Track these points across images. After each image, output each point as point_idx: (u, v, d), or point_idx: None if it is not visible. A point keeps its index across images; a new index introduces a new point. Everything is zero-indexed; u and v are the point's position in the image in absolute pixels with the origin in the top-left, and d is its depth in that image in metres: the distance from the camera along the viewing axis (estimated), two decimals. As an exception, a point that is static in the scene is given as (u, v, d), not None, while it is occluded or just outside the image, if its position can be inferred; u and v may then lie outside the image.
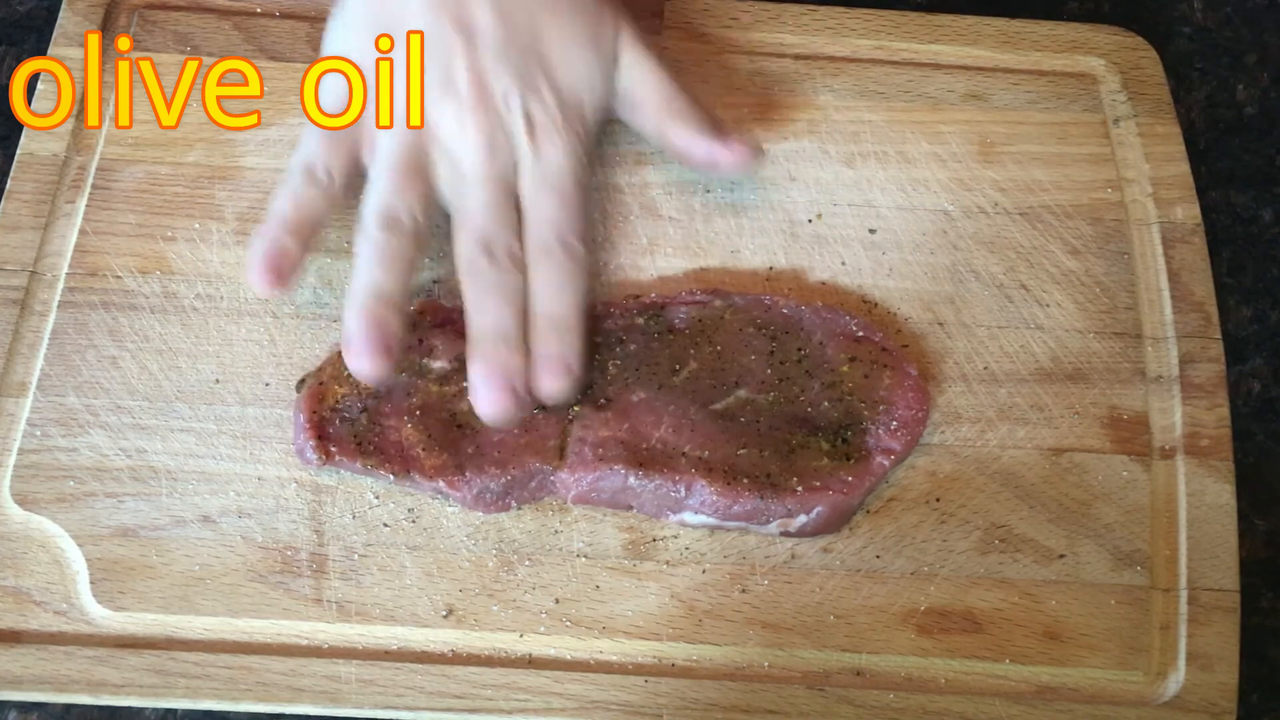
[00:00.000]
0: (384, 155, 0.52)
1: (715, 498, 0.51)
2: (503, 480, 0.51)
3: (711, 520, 0.52)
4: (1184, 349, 0.57)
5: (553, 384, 0.50)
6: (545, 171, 0.53)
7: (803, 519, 0.51)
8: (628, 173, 0.59)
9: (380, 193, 0.52)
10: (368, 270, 0.51)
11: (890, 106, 0.62)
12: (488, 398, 0.50)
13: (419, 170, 0.52)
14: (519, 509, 0.53)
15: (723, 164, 0.56)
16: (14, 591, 0.50)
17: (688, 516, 0.52)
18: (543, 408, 0.52)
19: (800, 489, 0.51)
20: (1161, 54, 0.64)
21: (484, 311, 0.51)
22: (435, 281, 0.56)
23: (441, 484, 0.51)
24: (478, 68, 0.52)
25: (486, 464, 0.51)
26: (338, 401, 0.52)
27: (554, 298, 0.51)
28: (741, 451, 0.52)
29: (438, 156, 0.53)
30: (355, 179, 0.53)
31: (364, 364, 0.49)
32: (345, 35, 0.55)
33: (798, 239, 0.58)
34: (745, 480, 0.51)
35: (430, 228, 0.53)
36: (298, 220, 0.51)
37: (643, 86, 0.56)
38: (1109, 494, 0.54)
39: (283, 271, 0.50)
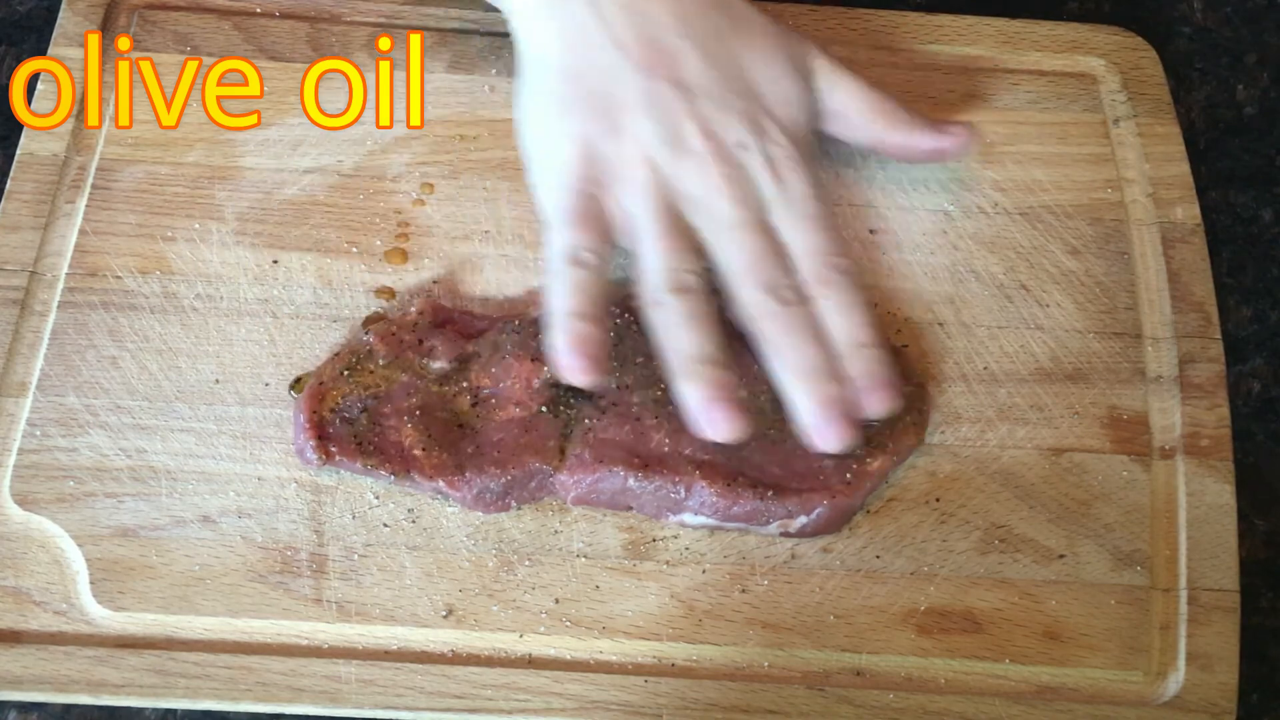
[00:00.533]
0: (646, 226, 0.52)
1: (715, 499, 0.51)
2: (503, 480, 0.51)
3: (711, 521, 0.52)
4: (1184, 349, 0.57)
5: (881, 404, 0.52)
6: (795, 203, 0.53)
7: (803, 520, 0.51)
8: (628, 173, 0.59)
9: (658, 262, 0.52)
10: (683, 339, 0.51)
11: (890, 106, 0.62)
12: (837, 433, 0.51)
13: (683, 231, 0.53)
14: (519, 509, 0.53)
15: (949, 151, 0.57)
16: (14, 591, 0.50)
17: (687, 517, 0.52)
18: (555, 404, 0.52)
19: (800, 490, 0.51)
20: (1161, 54, 0.64)
21: (795, 350, 0.51)
22: (435, 281, 0.56)
23: (441, 484, 0.51)
24: (703, 119, 0.53)
25: (486, 464, 0.51)
26: (338, 401, 0.52)
27: (852, 323, 0.52)
28: (741, 452, 0.52)
29: (692, 214, 0.53)
30: (611, 252, 0.53)
31: (734, 431, 0.50)
32: (559, 120, 0.54)
33: (798, 239, 0.58)
34: (745, 481, 0.51)
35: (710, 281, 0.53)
36: (584, 304, 0.51)
37: (846, 98, 0.57)
38: (1109, 494, 0.54)
39: (600, 359, 0.51)
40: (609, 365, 0.52)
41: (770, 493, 0.51)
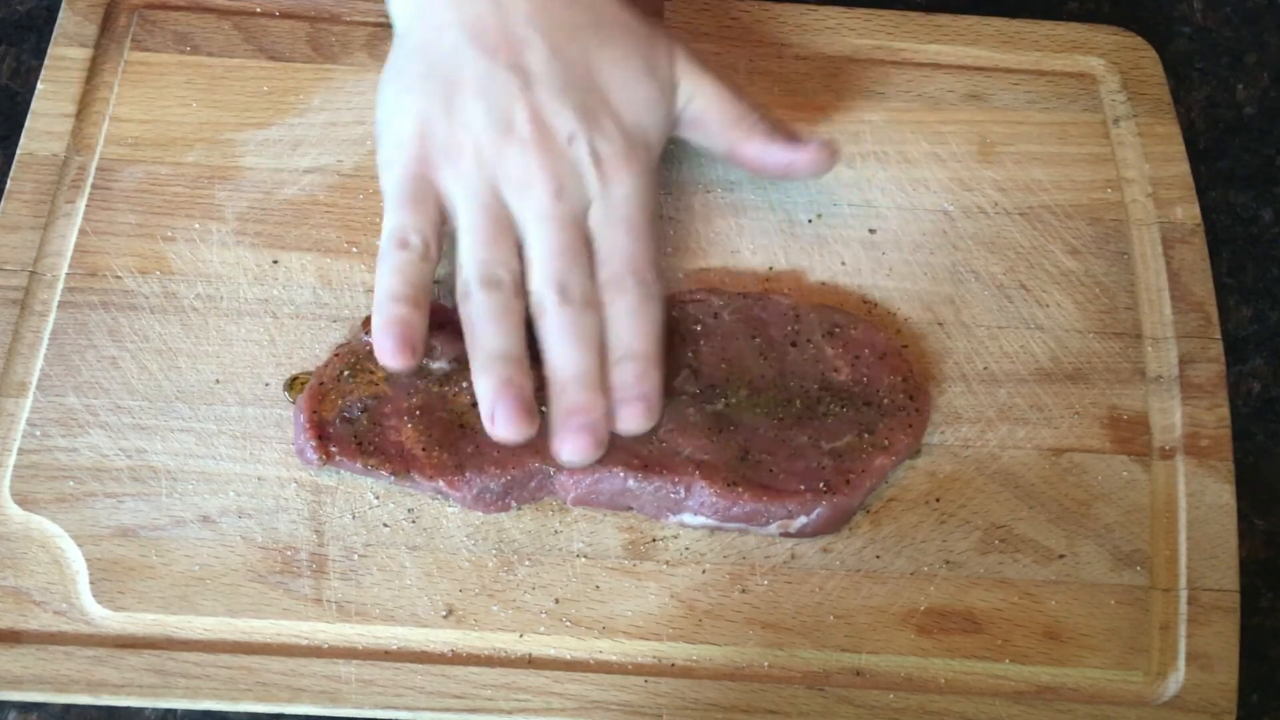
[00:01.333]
0: (464, 213, 0.52)
1: (715, 499, 0.51)
2: (503, 480, 0.51)
3: (711, 521, 0.52)
4: (1184, 349, 0.57)
5: (632, 421, 0.50)
6: (614, 205, 0.52)
7: (803, 520, 0.51)
8: (628, 173, 0.59)
9: (470, 253, 0.51)
10: (484, 334, 0.50)
11: (890, 106, 0.62)
12: (574, 445, 0.50)
13: (502, 221, 0.52)
14: (519, 509, 0.53)
15: (800, 167, 0.56)
16: (14, 591, 0.50)
17: (687, 518, 0.52)
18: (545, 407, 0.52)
19: (800, 490, 0.51)
20: (1161, 54, 0.64)
21: (562, 355, 0.50)
22: (436, 282, 0.56)
23: (441, 484, 0.51)
24: (536, 108, 0.52)
25: (486, 464, 0.51)
26: (338, 402, 0.52)
27: (631, 332, 0.51)
28: (741, 452, 0.52)
29: (511, 201, 0.52)
30: (444, 233, 0.52)
31: (513, 432, 0.49)
32: (400, 96, 0.53)
33: (798, 239, 0.58)
34: (745, 481, 0.51)
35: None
36: (401, 286, 0.50)
37: (706, 107, 0.55)
38: (1109, 494, 0.54)
39: (415, 344, 0.50)
40: (424, 350, 0.50)
41: (770, 493, 0.51)
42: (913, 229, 0.59)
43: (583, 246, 0.52)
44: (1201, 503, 0.54)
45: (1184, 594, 0.53)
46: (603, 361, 0.51)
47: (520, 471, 0.51)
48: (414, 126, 0.52)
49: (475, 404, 0.52)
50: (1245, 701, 0.52)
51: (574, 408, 0.50)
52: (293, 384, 0.54)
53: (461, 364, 0.53)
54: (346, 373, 0.53)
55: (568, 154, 0.52)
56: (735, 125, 0.55)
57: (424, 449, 0.51)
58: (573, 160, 0.52)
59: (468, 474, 0.51)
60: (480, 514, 0.52)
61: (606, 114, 0.53)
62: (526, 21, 0.52)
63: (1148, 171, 0.61)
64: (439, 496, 0.52)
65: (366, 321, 0.55)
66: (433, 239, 0.51)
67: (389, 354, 0.49)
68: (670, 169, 0.59)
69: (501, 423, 0.49)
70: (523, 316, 0.51)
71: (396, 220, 0.51)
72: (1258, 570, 0.56)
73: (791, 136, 0.56)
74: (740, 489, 0.51)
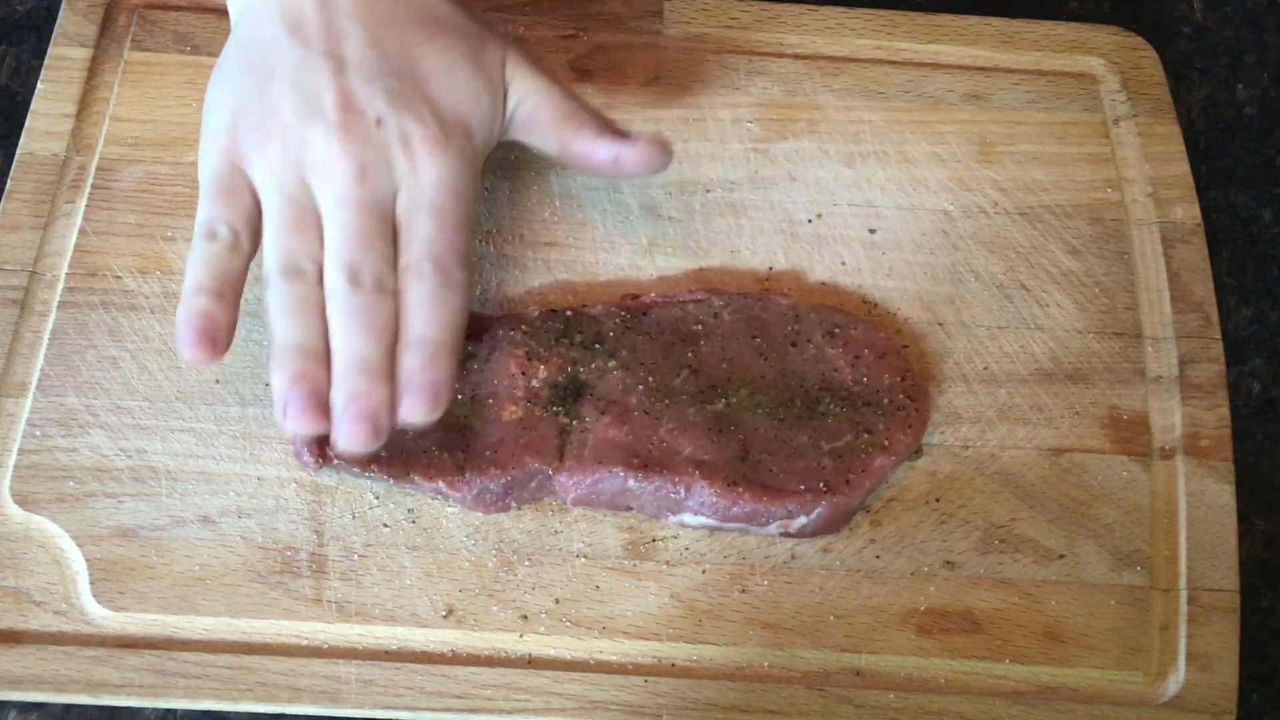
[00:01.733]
0: (269, 200, 0.50)
1: (714, 499, 0.51)
2: (502, 481, 0.51)
3: (711, 521, 0.52)
4: (1184, 349, 0.57)
5: (413, 410, 0.48)
6: (422, 190, 0.50)
7: (803, 520, 0.51)
8: (628, 173, 0.59)
9: (273, 241, 0.50)
10: (282, 325, 0.48)
11: (890, 106, 0.62)
12: (348, 432, 0.47)
13: (306, 208, 0.50)
14: (519, 509, 0.53)
15: (628, 163, 0.54)
16: (14, 591, 0.50)
17: (687, 518, 0.52)
18: (554, 404, 0.52)
19: (800, 490, 0.51)
20: (1161, 54, 0.64)
21: (345, 341, 0.48)
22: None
23: (441, 484, 0.51)
24: (345, 92, 0.50)
25: (486, 465, 0.51)
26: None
27: (423, 319, 0.49)
28: (741, 452, 0.52)
29: (315, 186, 0.50)
30: (257, 223, 0.50)
31: (303, 425, 0.47)
32: (219, 89, 0.52)
33: (798, 239, 0.58)
34: (744, 481, 0.51)
35: None
36: (207, 279, 0.49)
37: (536, 106, 0.54)
38: (1109, 494, 0.54)
39: (216, 338, 0.48)
40: (226, 344, 0.48)
41: (770, 493, 0.51)
42: (913, 229, 0.59)
43: (382, 232, 0.50)
44: (1201, 503, 0.54)
45: (1184, 594, 0.53)
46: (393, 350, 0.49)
47: (520, 472, 0.51)
48: (229, 117, 0.51)
49: (475, 404, 0.52)
50: (1245, 701, 0.52)
51: (352, 394, 0.48)
52: None
53: (461, 364, 0.53)
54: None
55: (374, 137, 0.50)
56: (565, 123, 0.54)
57: (424, 450, 0.51)
58: (380, 144, 0.50)
59: (468, 475, 0.51)
60: (480, 514, 0.52)
61: (421, 100, 0.51)
62: (347, 14, 0.51)
63: (1148, 171, 0.61)
64: (439, 497, 0.52)
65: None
66: (243, 230, 0.50)
67: (187, 346, 0.48)
68: (670, 168, 0.59)
69: (291, 416, 0.47)
70: (322, 305, 0.49)
71: (206, 211, 0.50)
72: (1258, 570, 0.56)
73: (617, 134, 0.55)
74: (740, 489, 0.51)
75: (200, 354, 0.48)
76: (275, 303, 0.49)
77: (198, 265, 0.49)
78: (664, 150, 0.55)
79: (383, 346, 0.48)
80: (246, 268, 0.50)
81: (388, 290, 0.49)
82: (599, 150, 0.54)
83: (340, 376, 0.48)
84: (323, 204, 0.50)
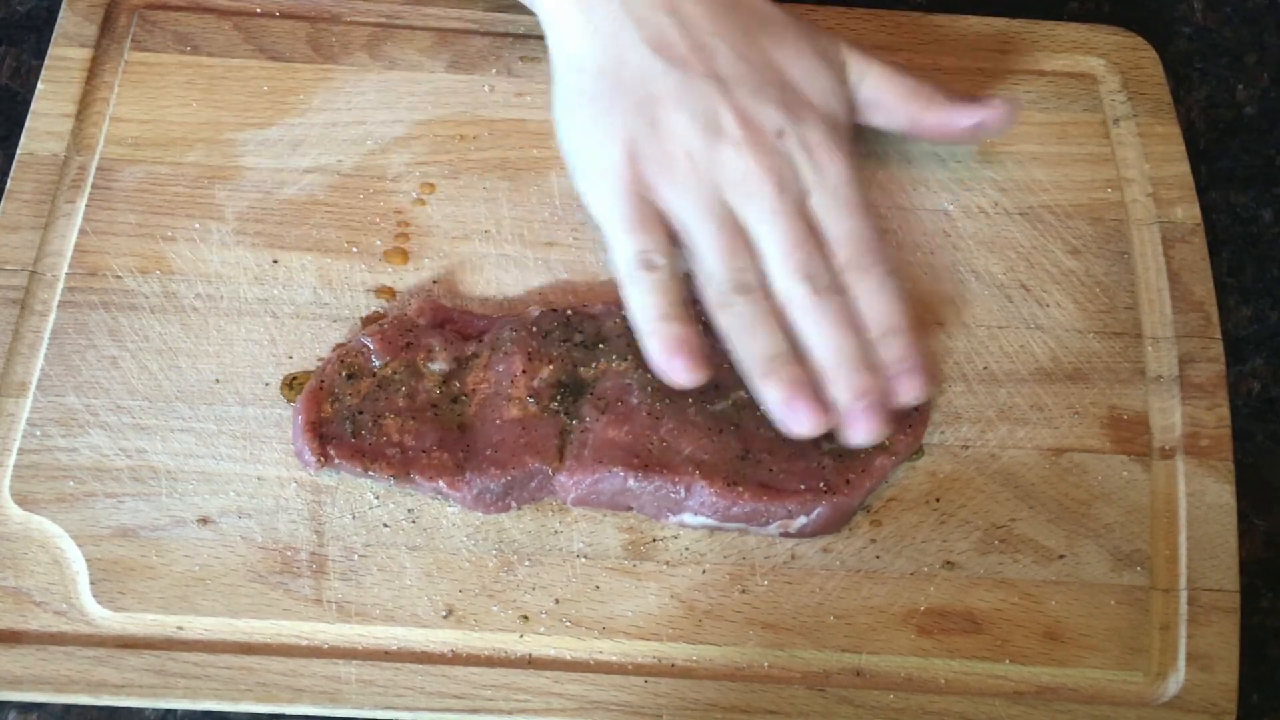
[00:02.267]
0: (697, 225, 0.52)
1: (714, 499, 0.51)
2: (503, 481, 0.51)
3: (711, 521, 0.52)
4: (1184, 349, 0.57)
5: (913, 391, 0.52)
6: (833, 190, 0.53)
7: (802, 520, 0.51)
8: (628, 173, 0.59)
9: (717, 264, 0.52)
10: (756, 340, 0.51)
11: (890, 106, 0.62)
12: (867, 426, 0.51)
13: (734, 227, 0.52)
14: (519, 509, 0.53)
15: (989, 124, 0.56)
16: (14, 591, 0.50)
17: (687, 518, 0.52)
18: (554, 404, 0.52)
19: (800, 490, 0.51)
20: (1161, 54, 0.64)
21: (829, 342, 0.51)
22: (435, 281, 0.56)
23: (442, 484, 0.51)
24: (741, 109, 0.52)
25: (486, 464, 0.51)
26: (337, 403, 0.52)
27: (884, 309, 0.52)
28: (741, 452, 0.52)
29: (736, 203, 0.52)
30: (676, 249, 0.53)
31: (815, 426, 0.50)
32: (596, 121, 0.54)
33: (798, 239, 0.58)
34: (744, 481, 0.51)
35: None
36: (667, 306, 0.51)
37: (881, 86, 0.56)
38: (1109, 494, 0.54)
39: (696, 355, 0.51)
40: (709, 360, 0.51)
41: (770, 493, 0.51)
42: (913, 229, 0.59)
43: (813, 235, 0.52)
44: (1201, 503, 0.54)
45: (1184, 594, 0.53)
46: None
47: (520, 472, 0.51)
48: (621, 149, 0.52)
49: (475, 404, 0.52)
50: (1245, 701, 0.52)
51: (859, 390, 0.51)
52: (290, 384, 0.54)
53: (460, 364, 0.53)
54: (345, 374, 0.53)
55: (780, 148, 0.53)
56: (912, 98, 0.57)
57: (424, 450, 0.51)
58: (786, 154, 0.53)
59: (468, 474, 0.51)
60: (480, 514, 0.52)
61: (803, 105, 0.54)
62: (710, 32, 0.53)
63: (1148, 171, 0.61)
64: (439, 497, 0.52)
65: (366, 321, 0.55)
66: (672, 255, 0.52)
67: (683, 374, 0.51)
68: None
69: (804, 422, 0.50)
70: (774, 317, 0.52)
71: (634, 244, 0.52)
72: (1258, 570, 0.56)
73: (969, 100, 0.57)
74: (740, 489, 0.51)
75: (693, 375, 0.51)
76: (737, 321, 0.51)
77: (652, 294, 0.51)
78: (1013, 109, 0.57)
79: (860, 340, 0.51)
80: (683, 287, 0.52)
81: (838, 289, 0.52)
82: (958, 119, 0.56)
83: (837, 374, 0.51)
84: (751, 221, 0.52)
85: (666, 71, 0.53)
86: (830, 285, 0.52)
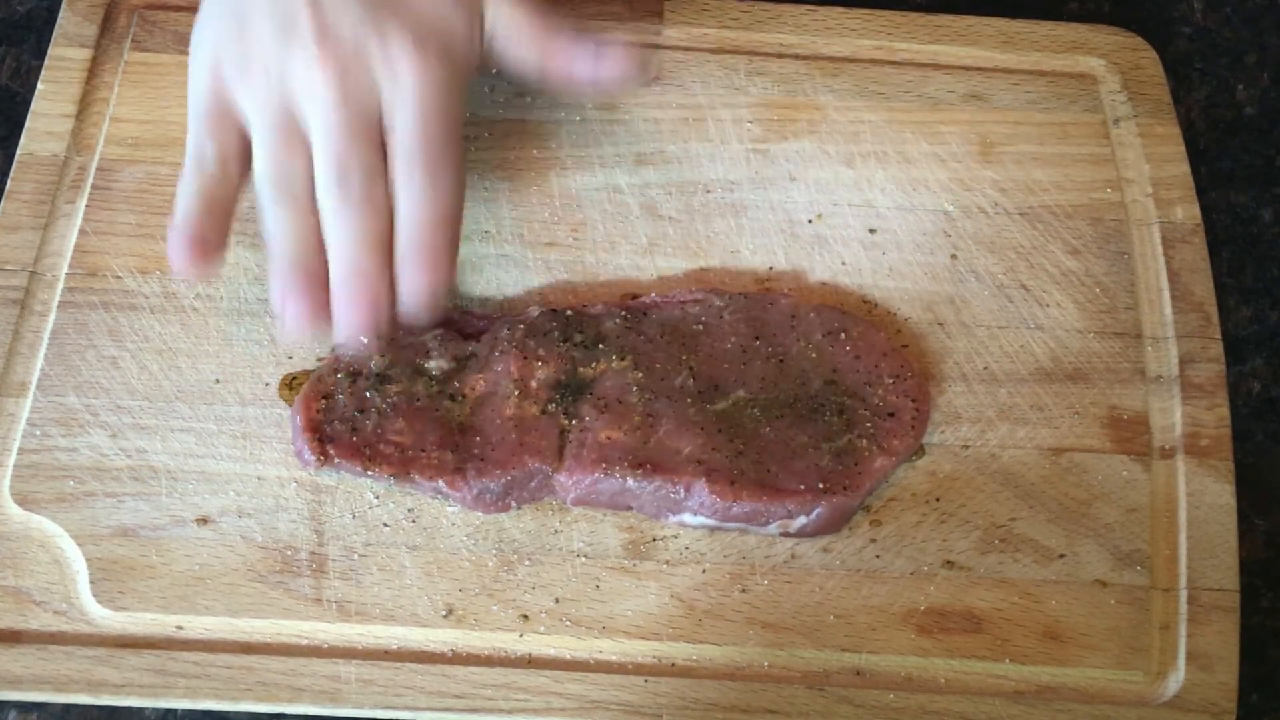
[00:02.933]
0: (256, 128, 0.51)
1: (714, 499, 0.51)
2: (502, 481, 0.51)
3: (711, 521, 0.52)
4: (1184, 349, 0.57)
5: (413, 290, 0.50)
6: (404, 96, 0.50)
7: (802, 520, 0.51)
8: (628, 173, 0.59)
9: (263, 163, 0.51)
10: (280, 246, 0.50)
11: (890, 106, 0.62)
12: (346, 316, 0.50)
13: (293, 131, 0.50)
14: (519, 509, 0.53)
15: (606, 74, 0.54)
16: (14, 591, 0.50)
17: (687, 517, 0.52)
18: (554, 404, 0.52)
19: (800, 490, 0.51)
20: (1161, 54, 0.64)
21: (340, 249, 0.50)
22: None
23: (441, 484, 0.51)
24: (320, 12, 0.50)
25: (486, 465, 0.51)
26: (336, 403, 0.52)
27: (412, 203, 0.50)
28: (740, 452, 0.52)
29: (301, 109, 0.50)
30: (246, 155, 0.51)
31: (299, 322, 0.50)
32: (200, 32, 0.53)
33: (798, 239, 0.58)
34: (744, 481, 0.51)
35: None
36: (198, 206, 0.50)
37: (512, 20, 0.54)
38: (1109, 494, 0.54)
39: (207, 251, 0.50)
40: (217, 258, 0.50)
41: (770, 493, 0.51)
42: (913, 229, 0.59)
43: (370, 146, 0.50)
44: (1201, 503, 0.54)
45: (1184, 594, 0.53)
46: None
47: (520, 472, 0.51)
48: (210, 53, 0.52)
49: (475, 404, 0.52)
50: (1245, 701, 0.52)
51: (351, 290, 0.49)
52: (290, 384, 0.54)
53: (460, 364, 0.53)
54: (345, 374, 0.53)
55: (355, 58, 0.50)
56: (545, 38, 0.54)
57: (423, 450, 0.51)
58: (361, 64, 0.50)
59: (468, 474, 0.51)
60: (480, 514, 0.52)
61: (396, 19, 0.51)
62: None
63: (1148, 171, 0.61)
64: (439, 497, 0.52)
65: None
66: (232, 160, 0.51)
67: (178, 255, 0.50)
68: (671, 168, 0.59)
69: (291, 315, 0.50)
70: (316, 227, 0.50)
71: (194, 142, 0.51)
72: (1258, 570, 0.56)
73: (596, 48, 0.54)
74: (740, 489, 0.51)
75: (190, 262, 0.50)
76: (271, 222, 0.50)
77: (187, 194, 0.50)
78: (645, 63, 0.55)
79: (379, 255, 0.50)
80: (235, 197, 0.51)
81: (379, 203, 0.50)
82: (580, 62, 0.54)
83: (338, 283, 0.50)
84: (310, 128, 0.50)
85: None
86: (365, 195, 0.50)
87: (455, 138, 0.51)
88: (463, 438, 0.52)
